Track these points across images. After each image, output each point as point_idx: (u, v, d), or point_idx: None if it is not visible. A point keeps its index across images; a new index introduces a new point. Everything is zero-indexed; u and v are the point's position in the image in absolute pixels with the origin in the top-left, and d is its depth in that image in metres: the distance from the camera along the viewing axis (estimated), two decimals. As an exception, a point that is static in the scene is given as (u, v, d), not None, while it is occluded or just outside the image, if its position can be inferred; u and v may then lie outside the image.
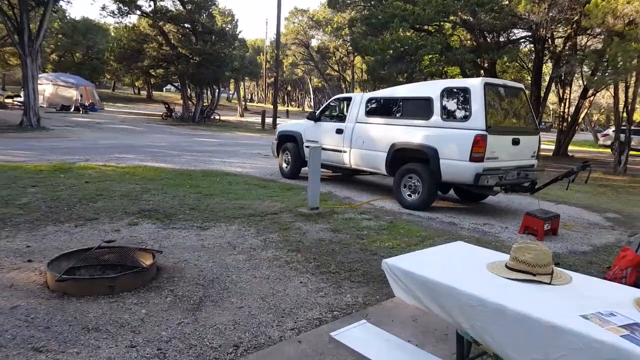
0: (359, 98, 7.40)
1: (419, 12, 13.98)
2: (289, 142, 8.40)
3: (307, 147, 7.22)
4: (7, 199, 5.48)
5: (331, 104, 8.23)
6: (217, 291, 3.22)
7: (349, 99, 7.65)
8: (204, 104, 27.56)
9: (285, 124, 9.58)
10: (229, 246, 4.22)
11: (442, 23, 16.68)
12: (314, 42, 40.29)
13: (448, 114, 6.08)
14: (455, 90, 6.12)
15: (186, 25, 25.04)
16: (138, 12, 24.55)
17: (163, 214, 5.24)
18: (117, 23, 26.97)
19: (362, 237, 4.75)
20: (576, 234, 5.55)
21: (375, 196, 7.17)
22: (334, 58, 39.60)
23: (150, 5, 24.20)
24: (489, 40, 16.69)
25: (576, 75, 18.41)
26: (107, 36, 39.08)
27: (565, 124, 18.67)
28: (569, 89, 19.22)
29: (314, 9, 38.48)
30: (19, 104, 21.53)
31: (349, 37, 24.46)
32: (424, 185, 6.19)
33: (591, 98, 18.86)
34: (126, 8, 23.34)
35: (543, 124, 41.34)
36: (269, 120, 25.72)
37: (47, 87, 27.28)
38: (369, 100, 7.23)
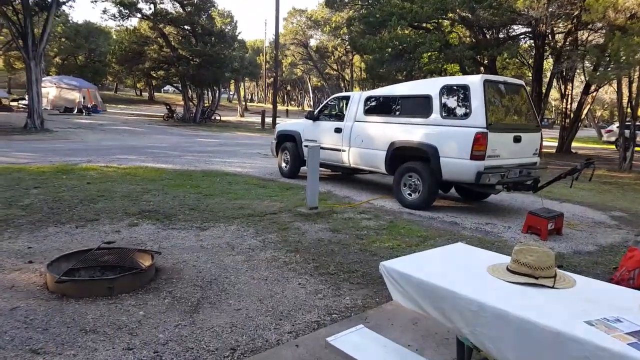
0: (358, 97, 7.38)
1: (417, 9, 13.93)
2: (288, 141, 8.39)
3: (306, 146, 7.21)
4: (10, 200, 5.51)
5: (329, 103, 8.22)
6: (215, 293, 3.21)
7: (347, 98, 7.64)
8: (205, 105, 27.60)
9: (284, 124, 9.57)
10: (227, 247, 4.22)
11: (440, 20, 16.60)
12: (313, 42, 40.27)
13: (448, 112, 6.05)
14: (454, 87, 6.09)
15: (186, 27, 25.10)
16: (138, 15, 24.60)
17: (163, 214, 5.24)
18: (119, 26, 27.10)
19: (361, 237, 4.73)
20: (581, 233, 5.48)
21: (375, 195, 7.15)
22: (332, 57, 39.53)
23: (150, 8, 24.26)
24: (488, 36, 16.60)
25: (578, 70, 18.31)
26: (109, 39, 39.27)
27: (567, 121, 18.57)
28: (570, 84, 19.11)
29: (312, 9, 38.47)
30: (24, 106, 21.60)
31: (347, 37, 24.42)
32: (424, 184, 6.16)
33: (594, 94, 18.75)
34: (127, 11, 23.39)
35: (545, 120, 41.11)
36: (268, 120, 25.73)
37: (50, 89, 27.41)
38: (368, 99, 7.20)
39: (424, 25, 16.46)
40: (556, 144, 18.77)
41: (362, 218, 5.56)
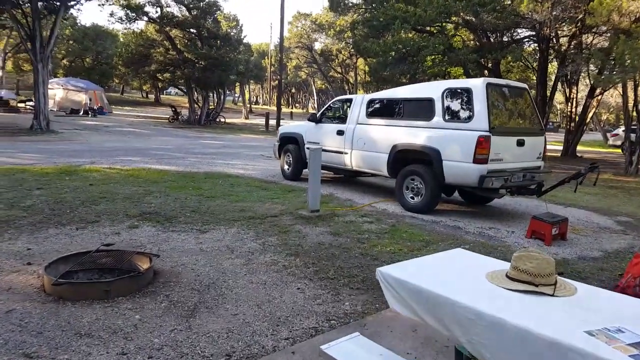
0: (360, 99, 7.35)
1: (421, 13, 13.91)
2: (290, 143, 8.38)
3: (308, 148, 7.19)
4: (12, 201, 5.52)
5: (332, 105, 8.19)
6: (212, 297, 3.18)
7: (349, 101, 7.61)
8: (210, 107, 27.69)
9: (286, 126, 9.56)
10: (227, 250, 4.19)
11: (444, 24, 16.57)
12: (317, 45, 40.33)
13: (450, 115, 6.01)
14: (457, 90, 6.05)
15: (192, 30, 25.23)
16: (145, 18, 24.77)
17: (164, 216, 5.23)
18: (126, 29, 27.24)
19: (362, 241, 4.69)
20: (586, 238, 5.40)
21: (377, 198, 7.11)
22: (337, 60, 39.55)
23: (157, 12, 24.42)
24: (492, 40, 16.55)
25: (583, 74, 18.19)
26: (116, 42, 39.56)
27: (573, 124, 18.44)
28: (575, 88, 18.99)
29: (317, 13, 38.60)
30: (31, 108, 21.77)
31: (351, 40, 24.43)
32: (426, 188, 6.11)
33: (599, 97, 18.62)
34: (133, 14, 23.54)
35: (551, 124, 40.90)
36: (273, 122, 25.77)
37: (57, 91, 27.62)
38: (370, 102, 7.17)
39: (428, 28, 16.45)
40: (561, 148, 18.64)
41: (363, 221, 5.52)
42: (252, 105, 54.34)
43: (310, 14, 38.43)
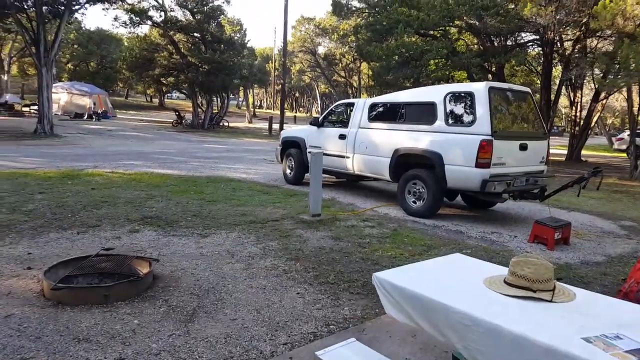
0: (362, 103, 7.35)
1: (424, 17, 13.91)
2: (292, 148, 8.38)
3: (310, 152, 7.18)
4: (14, 205, 5.54)
5: (334, 109, 8.19)
6: (211, 302, 3.16)
7: (351, 105, 7.61)
8: (214, 111, 27.79)
9: (288, 130, 9.57)
10: (227, 254, 4.18)
11: (447, 28, 16.56)
12: (321, 49, 40.38)
13: (452, 119, 5.99)
14: (459, 94, 6.03)
15: (196, 34, 25.34)
16: (149, 23, 24.91)
17: (165, 221, 5.23)
18: (130, 33, 27.44)
19: (363, 245, 4.67)
20: (589, 243, 5.36)
21: (379, 203, 7.08)
22: (340, 64, 39.60)
23: (160, 16, 24.57)
24: (496, 44, 16.52)
25: (587, 78, 18.12)
26: (121, 46, 39.83)
27: (577, 128, 18.35)
28: (580, 92, 18.91)
29: (321, 17, 38.55)
30: (35, 112, 21.93)
31: (354, 44, 24.47)
32: (428, 192, 6.08)
33: (604, 101, 18.53)
34: (137, 19, 23.69)
35: (555, 128, 40.76)
36: (276, 126, 25.82)
37: (62, 95, 27.81)
38: (372, 106, 7.16)
39: (431, 32, 16.44)
40: (566, 152, 18.55)
41: (365, 226, 5.50)
42: (256, 109, 54.46)
43: (313, 18, 38.55)
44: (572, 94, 18.65)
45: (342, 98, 30.17)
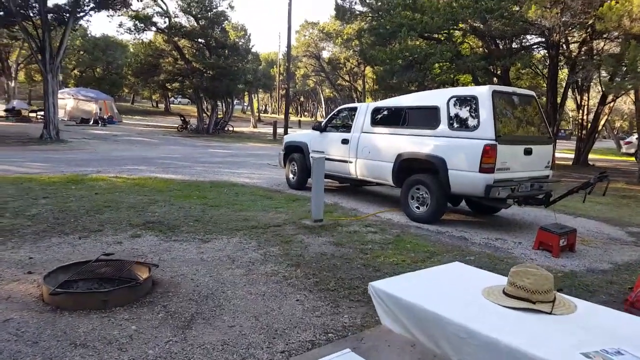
0: (365, 108, 7.32)
1: (427, 20, 13.88)
2: (295, 152, 8.36)
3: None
4: (17, 210, 5.56)
5: (337, 114, 8.17)
6: (210, 308, 3.14)
7: (354, 109, 7.58)
8: (218, 116, 27.89)
9: (291, 135, 9.56)
10: (228, 260, 4.15)
11: (451, 31, 16.51)
12: (325, 54, 40.47)
13: (456, 123, 5.94)
14: (462, 98, 5.98)
15: (200, 40, 25.48)
16: (153, 29, 25.11)
17: (167, 226, 5.22)
18: (135, 39, 27.66)
19: (365, 251, 4.62)
20: (595, 250, 5.27)
21: (382, 208, 7.03)
22: (344, 69, 39.64)
23: (165, 22, 24.75)
24: (500, 46, 16.44)
25: (594, 80, 17.97)
26: (126, 52, 40.14)
27: (584, 132, 18.20)
28: (587, 95, 18.75)
29: (324, 22, 38.65)
30: (42, 117, 22.14)
31: (358, 48, 24.50)
32: (432, 197, 6.03)
33: (611, 104, 18.36)
34: (142, 25, 23.88)
35: (562, 131, 40.46)
36: (280, 130, 25.85)
37: (68, 101, 28.02)
38: (375, 110, 7.14)
39: (435, 35, 16.40)
40: (572, 156, 18.39)
41: (367, 231, 5.45)
42: (261, 114, 54.67)
43: (317, 22, 38.65)
44: (578, 97, 18.51)
45: (346, 102, 30.20)
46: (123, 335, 2.70)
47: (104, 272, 3.53)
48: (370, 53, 16.42)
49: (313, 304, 3.27)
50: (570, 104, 26.35)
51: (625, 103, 26.51)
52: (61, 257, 3.97)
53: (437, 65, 15.66)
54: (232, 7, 35.74)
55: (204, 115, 26.91)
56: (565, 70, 18.15)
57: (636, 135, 20.44)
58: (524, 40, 16.87)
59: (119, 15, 21.58)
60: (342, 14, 19.97)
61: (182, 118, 27.61)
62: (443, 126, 6.00)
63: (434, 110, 6.15)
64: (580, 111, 18.47)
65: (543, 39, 15.46)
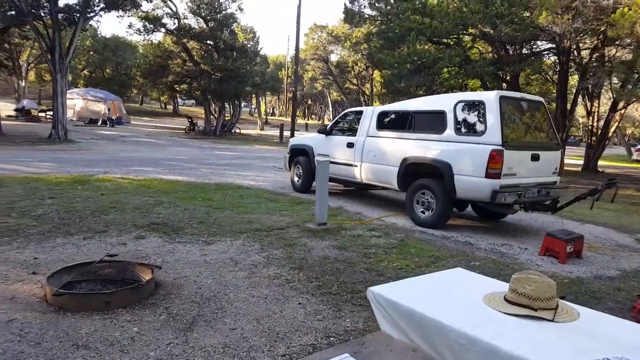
0: (370, 112, 7.30)
1: (436, 25, 13.84)
2: (300, 155, 8.36)
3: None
4: (24, 210, 5.60)
5: (342, 117, 8.16)
6: (212, 310, 3.13)
7: (360, 113, 7.56)
8: (226, 118, 28.01)
9: (296, 138, 9.57)
10: (231, 262, 4.15)
11: (460, 35, 16.46)
12: (333, 57, 40.51)
13: (462, 128, 5.90)
14: (469, 103, 5.95)
15: (209, 42, 25.64)
16: (163, 30, 25.30)
17: (171, 227, 5.23)
18: (144, 40, 27.89)
19: (369, 255, 4.60)
20: (603, 256, 5.20)
21: (387, 212, 7.00)
22: (352, 72, 39.67)
23: (174, 23, 24.94)
24: (510, 52, 16.34)
25: (605, 87, 17.81)
26: (136, 53, 40.49)
27: (594, 139, 18.02)
28: (597, 101, 18.59)
29: (333, 25, 38.71)
30: (51, 117, 22.39)
31: (366, 52, 24.49)
32: (437, 202, 5.99)
33: (622, 111, 18.15)
34: (151, 26, 24.08)
35: (572, 138, 40.13)
36: (287, 133, 25.90)
37: (77, 101, 28.30)
38: (381, 114, 7.12)
39: (444, 40, 16.36)
40: (582, 162, 18.22)
41: (371, 235, 5.43)
42: (269, 117, 54.86)
43: (326, 26, 38.72)
44: (589, 104, 18.35)
45: (354, 106, 30.19)
46: (125, 337, 2.70)
47: (107, 273, 3.54)
48: (379, 57, 16.41)
49: (315, 308, 3.26)
50: (580, 111, 26.12)
51: (637, 110, 26.25)
52: (65, 258, 3.99)
53: (445, 70, 15.61)
54: (241, 10, 35.91)
55: (212, 117, 27.05)
56: (576, 77, 18.01)
57: (647, 142, 20.20)
58: (534, 46, 16.76)
59: (128, 16, 21.82)
60: (351, 17, 19.99)
61: (190, 120, 27.77)
62: (449, 131, 5.97)
63: (441, 114, 6.12)
64: (591, 118, 18.31)
65: (554, 45, 15.36)
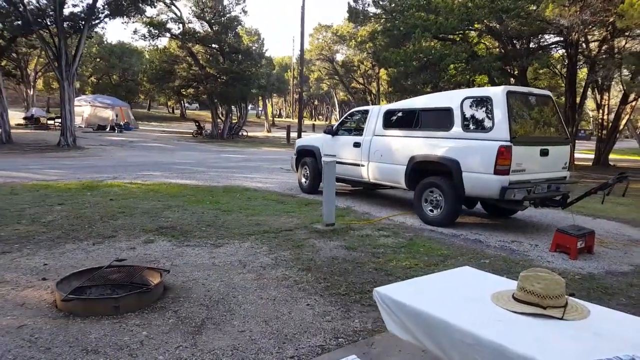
0: (377, 110, 7.26)
1: (442, 21, 13.75)
2: (307, 156, 8.34)
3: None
4: (33, 217, 5.66)
5: (348, 117, 8.12)
6: (220, 313, 3.12)
7: (366, 112, 7.52)
8: (233, 121, 28.12)
9: (303, 139, 9.56)
10: (239, 264, 4.15)
11: (466, 31, 16.33)
12: (339, 57, 40.42)
13: (470, 125, 5.84)
14: (476, 99, 5.88)
15: (214, 45, 25.77)
16: (168, 35, 25.47)
17: (179, 231, 5.24)
18: (150, 46, 28.11)
19: (377, 255, 4.56)
20: (615, 252, 5.11)
21: (395, 211, 6.96)
22: (358, 71, 39.58)
23: (179, 28, 25.10)
24: (517, 46, 16.17)
25: (615, 79, 17.55)
26: (142, 58, 40.80)
27: (604, 132, 17.77)
28: (607, 94, 18.33)
29: (338, 24, 38.62)
30: (59, 124, 22.65)
31: (372, 50, 24.41)
32: (446, 200, 5.94)
33: (633, 103, 17.88)
34: (156, 31, 24.25)
35: (582, 132, 39.60)
36: (294, 134, 25.91)
37: (85, 108, 28.61)
38: (387, 113, 7.07)
39: (450, 36, 16.24)
40: (593, 156, 17.98)
41: (380, 235, 5.39)
42: (275, 118, 54.96)
43: (331, 25, 38.65)
44: (598, 97, 18.10)
45: (360, 105, 30.09)
46: (134, 341, 2.71)
47: (116, 278, 3.55)
48: (384, 55, 16.34)
49: (324, 309, 3.24)
50: (590, 104, 25.78)
51: (648, 102, 25.78)
52: (75, 264, 4.01)
53: (452, 66, 15.49)
54: (245, 12, 36.11)
55: (219, 120, 27.17)
56: (585, 70, 17.78)
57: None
58: (541, 40, 16.57)
59: (133, 22, 21.99)
60: (355, 16, 19.95)
61: (197, 124, 27.93)
62: (457, 128, 5.91)
63: (447, 111, 6.07)
64: (601, 111, 18.06)
65: (561, 38, 15.16)
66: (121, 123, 27.72)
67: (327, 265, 4.18)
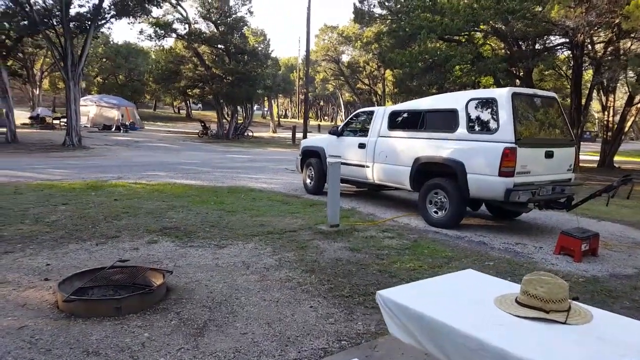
0: (382, 112, 7.23)
1: (447, 22, 13.70)
2: (312, 157, 8.32)
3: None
4: (37, 216, 5.67)
5: (353, 118, 8.10)
6: (223, 315, 3.11)
7: (371, 113, 7.50)
8: (238, 122, 28.17)
9: (308, 139, 9.53)
10: (242, 266, 4.13)
11: (472, 32, 16.27)
12: (345, 58, 40.41)
13: (475, 126, 5.81)
14: (481, 101, 5.84)
15: (220, 46, 25.83)
16: (174, 35, 25.55)
17: (183, 231, 5.24)
18: (156, 46, 28.21)
19: (381, 257, 4.53)
20: (619, 254, 5.07)
21: (400, 213, 6.92)
22: (364, 72, 39.55)
23: (185, 28, 25.18)
24: (523, 48, 16.09)
25: (620, 81, 17.43)
26: (148, 58, 40.96)
27: (610, 134, 17.65)
28: (612, 96, 18.19)
29: (344, 25, 38.60)
30: (65, 124, 22.76)
31: (377, 51, 24.39)
32: (450, 202, 5.90)
33: (639, 105, 17.76)
34: (162, 32, 24.34)
35: (588, 133, 39.35)
36: (300, 135, 25.91)
37: (91, 108, 28.75)
38: (392, 114, 7.04)
39: (455, 37, 16.18)
40: (597, 158, 17.85)
41: (384, 237, 5.36)
42: (281, 119, 55.00)
43: (336, 26, 38.63)
44: (604, 98, 17.97)
45: (366, 106, 30.05)
46: (135, 342, 2.69)
47: (119, 278, 3.54)
48: (390, 56, 16.30)
49: (327, 311, 3.21)
50: (595, 106, 25.61)
51: (655, 103, 25.56)
52: (78, 264, 4.01)
53: (457, 67, 15.43)
54: (251, 13, 36.27)
55: (224, 120, 27.22)
56: (590, 71, 17.66)
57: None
58: (547, 41, 16.48)
59: (139, 23, 22.08)
60: (361, 17, 19.94)
61: (203, 124, 28.00)
62: (462, 129, 5.87)
63: (452, 113, 6.03)
64: (606, 112, 17.93)
65: (567, 40, 15.07)
66: (127, 123, 27.82)
67: (331, 267, 4.15)
